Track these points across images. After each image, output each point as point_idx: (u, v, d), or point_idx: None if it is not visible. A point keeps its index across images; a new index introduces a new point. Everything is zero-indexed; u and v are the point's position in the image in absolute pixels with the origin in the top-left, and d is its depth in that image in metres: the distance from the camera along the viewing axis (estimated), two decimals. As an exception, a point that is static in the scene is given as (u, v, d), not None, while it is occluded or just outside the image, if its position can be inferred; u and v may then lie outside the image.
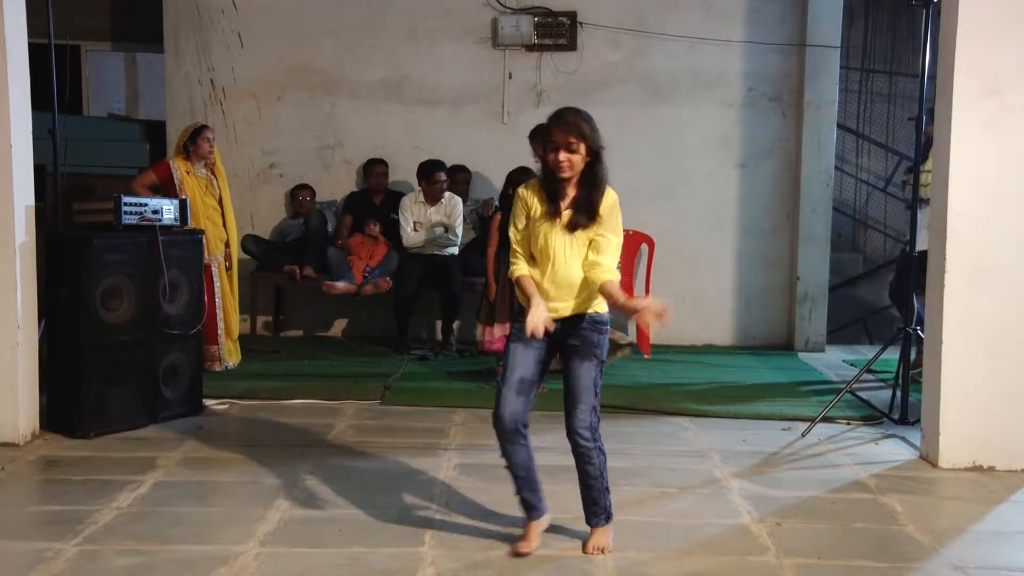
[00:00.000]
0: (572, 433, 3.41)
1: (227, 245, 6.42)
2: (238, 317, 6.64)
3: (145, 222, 5.08)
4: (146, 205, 5.15)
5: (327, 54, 7.88)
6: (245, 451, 4.66)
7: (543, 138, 3.37)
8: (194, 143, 6.21)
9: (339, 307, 7.92)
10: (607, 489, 3.49)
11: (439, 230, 7.15)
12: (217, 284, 6.31)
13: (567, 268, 3.34)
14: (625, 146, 7.78)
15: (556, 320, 3.35)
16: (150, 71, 8.97)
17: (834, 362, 7.14)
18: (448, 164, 7.36)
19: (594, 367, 3.37)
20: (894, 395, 5.44)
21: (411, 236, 7.15)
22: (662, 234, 7.73)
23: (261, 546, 3.44)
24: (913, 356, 6.66)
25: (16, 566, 3.23)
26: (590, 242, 3.35)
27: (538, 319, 3.22)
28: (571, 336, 3.37)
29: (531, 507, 3.47)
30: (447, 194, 7.18)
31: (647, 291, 7.63)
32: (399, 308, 7.26)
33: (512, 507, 3.85)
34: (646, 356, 7.33)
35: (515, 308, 3.53)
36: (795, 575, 3.29)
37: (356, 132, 7.91)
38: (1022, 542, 3.72)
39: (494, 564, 3.34)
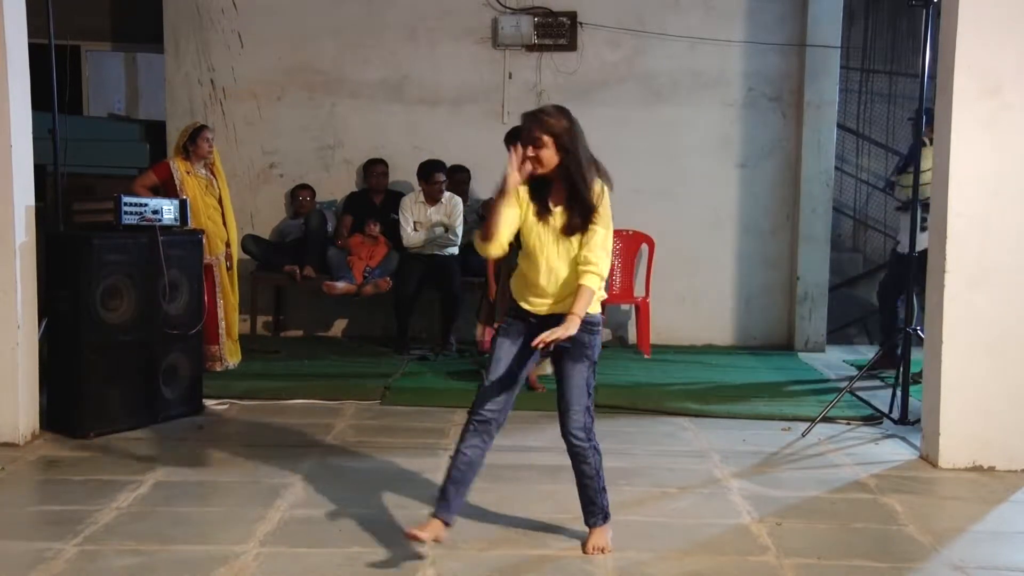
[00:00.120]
0: (567, 434, 3.41)
1: (227, 245, 6.43)
2: (238, 316, 6.65)
3: (145, 222, 5.08)
4: (146, 205, 5.15)
5: (327, 54, 7.89)
6: (245, 451, 4.66)
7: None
8: (194, 143, 6.21)
9: (339, 307, 7.92)
10: (604, 489, 3.49)
11: (439, 230, 7.15)
12: (218, 284, 6.32)
13: (559, 269, 3.32)
14: (625, 146, 7.80)
15: (541, 317, 3.34)
16: (150, 71, 8.97)
17: (834, 362, 7.14)
18: (448, 164, 7.36)
19: (586, 368, 3.37)
20: (894, 395, 5.44)
21: (411, 236, 7.15)
22: (662, 234, 7.74)
23: (261, 546, 3.44)
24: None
25: (16, 566, 3.23)
26: (587, 240, 3.32)
27: (513, 172, 3.20)
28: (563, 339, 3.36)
29: (448, 506, 3.35)
30: (447, 194, 7.18)
31: (647, 291, 7.65)
32: (399, 308, 7.26)
33: (513, 507, 3.86)
34: (646, 356, 7.34)
35: (508, 303, 3.50)
36: (795, 575, 3.29)
37: (356, 132, 7.91)
38: (1022, 542, 3.72)
39: (494, 564, 3.34)
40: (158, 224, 5.10)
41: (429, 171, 7.12)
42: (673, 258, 7.79)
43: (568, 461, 4.62)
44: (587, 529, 3.50)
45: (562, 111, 3.34)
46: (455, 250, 7.22)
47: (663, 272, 7.75)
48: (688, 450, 4.84)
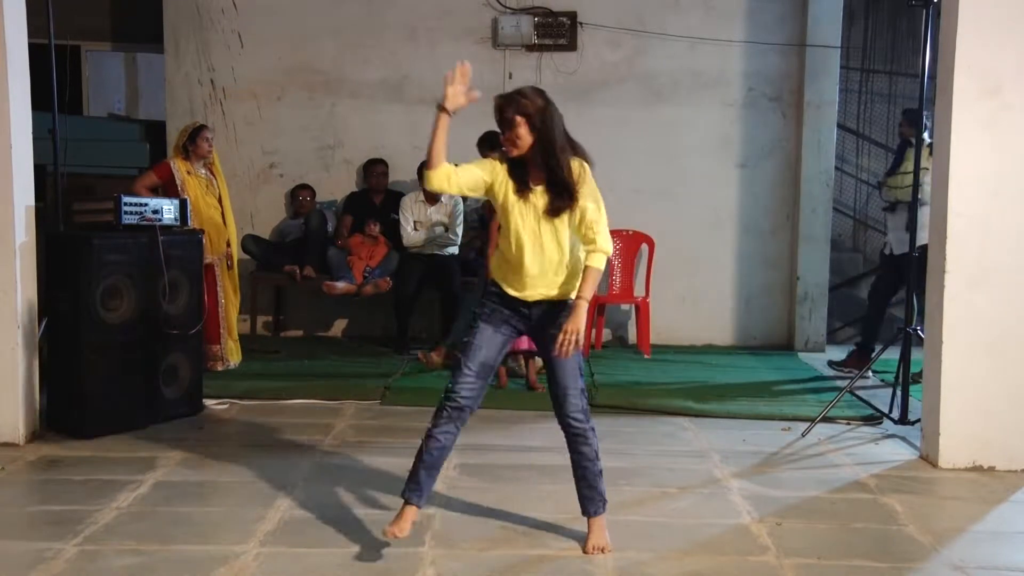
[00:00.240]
0: (566, 418, 3.39)
1: (227, 244, 6.43)
2: (238, 316, 6.65)
3: (145, 222, 5.09)
4: (146, 205, 5.15)
5: (327, 54, 7.89)
6: (245, 451, 4.66)
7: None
8: (193, 143, 6.21)
9: (339, 307, 7.92)
10: (602, 472, 3.50)
11: (439, 230, 7.15)
12: (219, 284, 6.32)
13: (546, 250, 3.30)
14: (625, 146, 7.82)
15: (531, 304, 3.34)
16: (150, 71, 8.97)
17: (836, 359, 7.13)
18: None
19: (576, 352, 3.37)
20: (894, 395, 5.44)
21: (411, 236, 7.15)
22: (662, 234, 7.75)
23: (261, 546, 3.44)
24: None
25: (16, 566, 3.23)
26: (580, 218, 3.31)
27: (454, 92, 3.20)
28: (549, 325, 3.36)
29: (418, 491, 3.36)
30: (447, 194, 7.17)
31: (647, 291, 7.65)
32: (399, 308, 7.26)
33: (513, 507, 3.86)
34: (646, 356, 7.34)
35: (486, 286, 3.47)
36: (795, 575, 3.29)
37: (356, 132, 7.91)
38: (1022, 542, 3.72)
39: (494, 564, 3.34)
40: (158, 224, 5.10)
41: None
42: (673, 258, 7.79)
43: (568, 460, 4.63)
44: (586, 529, 3.49)
45: (538, 91, 3.31)
46: (455, 250, 7.22)
47: (663, 272, 7.75)
48: (688, 450, 4.84)
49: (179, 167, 6.17)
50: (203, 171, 6.30)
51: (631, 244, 7.80)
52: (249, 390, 5.85)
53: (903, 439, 5.07)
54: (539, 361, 5.99)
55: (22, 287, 4.67)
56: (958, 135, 4.52)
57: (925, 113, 6.75)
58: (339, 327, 8.11)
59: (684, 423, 5.37)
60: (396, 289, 7.22)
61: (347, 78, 7.90)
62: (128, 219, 5.05)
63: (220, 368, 6.33)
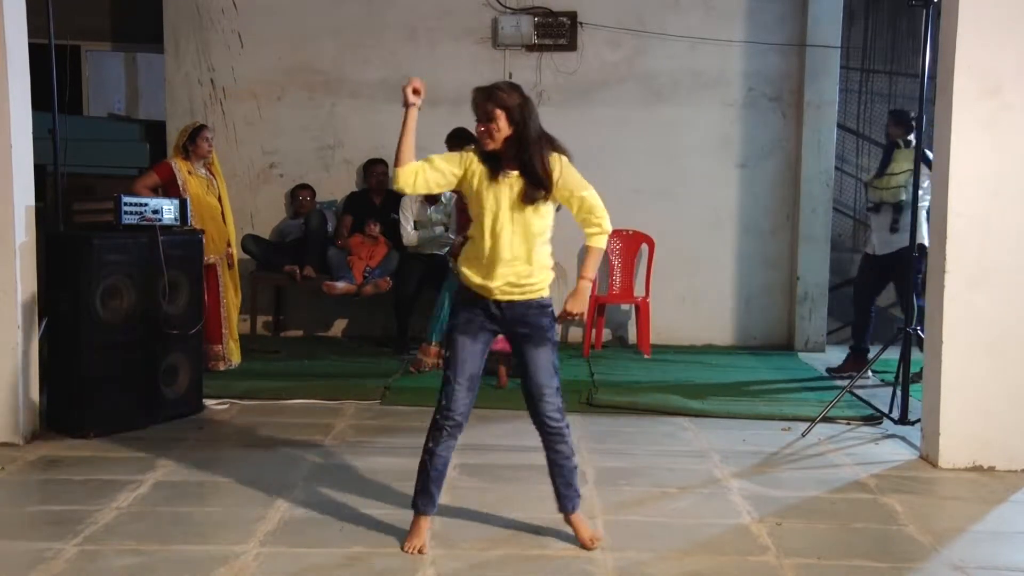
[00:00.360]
0: (542, 417, 3.41)
1: (228, 244, 6.43)
2: (238, 316, 6.66)
3: (145, 222, 5.09)
4: (146, 205, 5.15)
5: (327, 54, 7.89)
6: (245, 451, 4.66)
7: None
8: (193, 143, 6.21)
9: (339, 307, 7.92)
10: (577, 468, 3.52)
11: (439, 229, 7.16)
12: (221, 284, 6.33)
13: (514, 239, 3.30)
14: (625, 146, 7.83)
15: (500, 302, 3.33)
16: (150, 71, 8.97)
17: (834, 362, 7.13)
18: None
19: (550, 350, 3.39)
20: (894, 395, 5.44)
21: (411, 236, 7.16)
22: (662, 234, 7.75)
23: (261, 546, 3.44)
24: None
25: (16, 566, 3.23)
26: (579, 207, 3.36)
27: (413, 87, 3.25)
28: (519, 324, 3.36)
29: (433, 502, 3.43)
30: (447, 193, 7.18)
31: (647, 291, 7.65)
32: (399, 308, 7.26)
33: (513, 507, 3.86)
34: (646, 356, 7.34)
35: (461, 296, 3.46)
36: (795, 575, 3.29)
37: (356, 132, 7.91)
38: (1022, 542, 3.72)
39: (494, 564, 3.34)
40: (158, 224, 5.10)
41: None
42: (673, 258, 7.80)
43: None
44: (574, 524, 3.49)
45: (514, 87, 3.33)
46: (455, 250, 7.23)
47: (663, 272, 7.75)
48: (688, 450, 4.84)
49: (180, 167, 6.17)
50: (203, 171, 6.30)
51: (631, 244, 7.80)
52: (249, 390, 5.85)
53: (903, 439, 5.07)
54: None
55: (22, 287, 4.67)
56: (958, 135, 4.52)
57: (912, 113, 6.77)
58: (339, 327, 8.11)
59: (684, 423, 5.37)
60: (396, 289, 7.23)
61: (347, 78, 7.90)
62: (128, 219, 5.05)
63: (222, 368, 6.33)
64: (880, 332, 7.21)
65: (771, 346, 7.90)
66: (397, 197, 7.38)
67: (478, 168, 3.34)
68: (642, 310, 7.50)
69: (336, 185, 7.95)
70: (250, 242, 7.47)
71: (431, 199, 7.13)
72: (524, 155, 3.27)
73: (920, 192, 6.34)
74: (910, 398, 5.34)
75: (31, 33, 4.84)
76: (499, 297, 3.35)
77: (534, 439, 4.90)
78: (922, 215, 6.40)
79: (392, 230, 7.31)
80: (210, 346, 6.26)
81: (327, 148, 7.97)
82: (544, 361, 3.38)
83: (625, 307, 8.03)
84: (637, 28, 7.78)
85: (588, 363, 7.03)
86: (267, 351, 7.10)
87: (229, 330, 6.42)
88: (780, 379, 6.64)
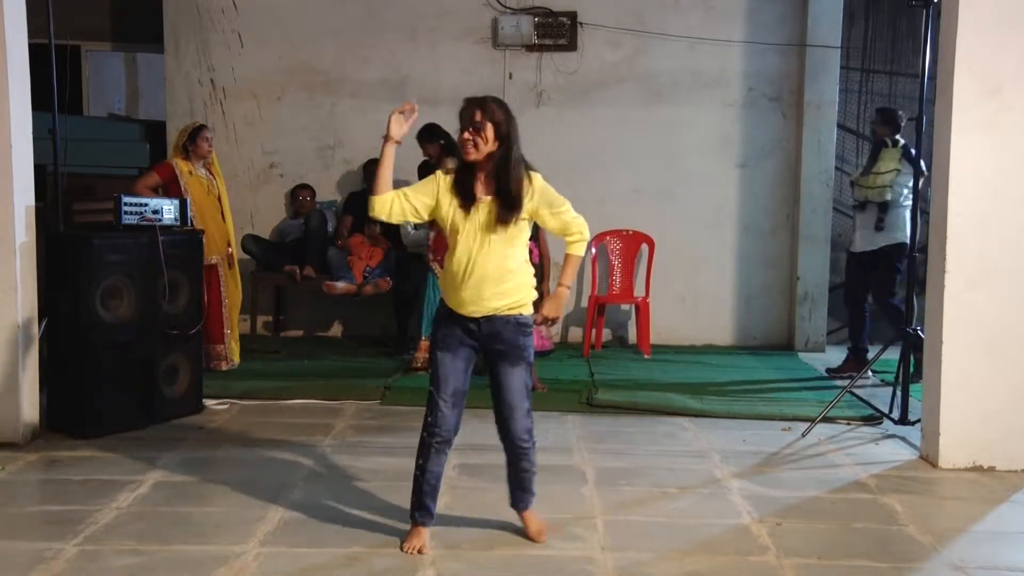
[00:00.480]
0: (512, 438, 3.42)
1: (228, 244, 6.43)
2: (238, 316, 6.66)
3: (145, 222, 5.08)
4: (146, 205, 5.15)
5: (327, 54, 7.89)
6: (245, 451, 4.66)
7: (460, 121, 3.33)
8: (193, 143, 6.21)
9: (339, 307, 7.93)
10: (536, 473, 3.54)
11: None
12: (223, 283, 6.33)
13: (486, 265, 3.29)
14: (625, 146, 7.83)
15: (478, 319, 3.33)
16: (150, 71, 8.97)
17: (834, 362, 7.13)
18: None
19: (524, 370, 3.39)
20: (894, 395, 5.44)
21: (411, 235, 7.15)
22: (662, 234, 7.75)
23: (261, 546, 3.44)
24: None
25: (16, 566, 3.23)
26: (558, 226, 3.39)
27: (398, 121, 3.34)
28: (495, 340, 3.35)
29: (429, 515, 3.45)
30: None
31: (647, 291, 7.65)
32: (399, 308, 7.27)
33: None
34: (646, 356, 7.34)
35: (440, 315, 3.46)
36: (795, 575, 3.29)
37: (356, 132, 7.91)
38: (1022, 542, 3.71)
39: (494, 564, 3.34)
40: (158, 224, 5.10)
41: (425, 171, 7.13)
42: (673, 258, 7.80)
43: (570, 460, 4.64)
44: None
45: (503, 103, 3.34)
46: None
47: (663, 272, 7.75)
48: (688, 450, 4.84)
49: (181, 167, 6.17)
50: (203, 171, 6.30)
51: (631, 244, 7.80)
52: (249, 390, 5.85)
53: (903, 439, 5.07)
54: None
55: (22, 287, 4.67)
56: (958, 135, 4.52)
57: (900, 112, 6.78)
58: (339, 327, 8.11)
59: (684, 423, 5.37)
60: (396, 289, 7.23)
61: (347, 78, 7.90)
62: (128, 219, 5.05)
63: (225, 367, 6.34)
64: (880, 332, 7.21)
65: (771, 346, 7.90)
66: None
67: (451, 196, 3.34)
68: (642, 310, 7.50)
69: (336, 185, 7.96)
70: (250, 242, 7.47)
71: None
72: (503, 175, 3.28)
73: (906, 191, 6.39)
74: (910, 398, 5.34)
75: (31, 33, 4.84)
76: (475, 315, 3.33)
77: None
78: (906, 213, 6.44)
79: (392, 230, 7.31)
80: (212, 346, 6.27)
81: (327, 148, 7.97)
82: (517, 382, 3.38)
83: (625, 307, 8.03)
84: (637, 28, 7.78)
85: (588, 363, 7.03)
86: (267, 351, 7.11)
87: (231, 330, 6.42)
88: (780, 379, 6.64)
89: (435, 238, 6.46)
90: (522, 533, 3.60)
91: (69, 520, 3.65)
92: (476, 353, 3.43)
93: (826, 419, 5.22)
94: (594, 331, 7.60)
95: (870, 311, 6.84)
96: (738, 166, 7.91)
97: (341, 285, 7.20)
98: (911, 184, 6.42)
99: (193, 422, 5.20)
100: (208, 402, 5.50)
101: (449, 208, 3.35)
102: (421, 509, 3.43)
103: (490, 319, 3.33)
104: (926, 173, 6.40)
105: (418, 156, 7.34)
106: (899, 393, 5.36)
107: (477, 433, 4.81)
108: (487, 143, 3.27)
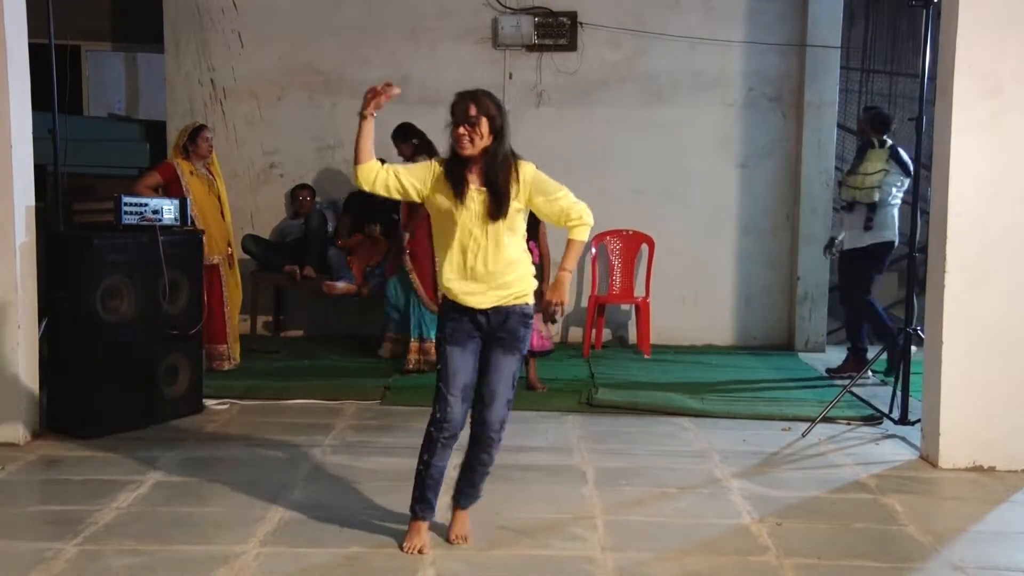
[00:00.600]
0: (484, 425, 3.38)
1: (228, 244, 6.43)
2: (239, 316, 6.66)
3: (145, 222, 5.08)
4: (146, 205, 5.15)
5: (327, 54, 7.89)
6: (245, 451, 4.66)
7: (452, 115, 3.30)
8: (193, 143, 6.21)
9: (339, 307, 7.92)
10: (489, 473, 3.52)
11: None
12: (224, 283, 6.33)
13: (486, 257, 3.29)
14: (625, 146, 7.82)
15: (487, 311, 3.32)
16: (150, 71, 8.97)
17: (835, 362, 7.13)
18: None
19: (516, 361, 3.38)
20: (894, 395, 5.44)
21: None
22: (662, 234, 7.75)
23: (261, 546, 3.44)
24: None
25: (16, 566, 3.23)
26: (557, 212, 3.34)
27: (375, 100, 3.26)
28: (499, 329, 3.34)
29: (430, 509, 3.44)
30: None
31: (647, 291, 7.65)
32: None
33: (512, 507, 3.86)
34: (646, 356, 7.34)
35: (443, 303, 3.43)
36: (795, 575, 3.29)
37: (356, 132, 7.88)
38: (1022, 542, 3.72)
39: (494, 564, 3.34)
40: (158, 224, 5.10)
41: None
42: (673, 258, 7.79)
43: (570, 460, 4.63)
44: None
45: (494, 96, 3.33)
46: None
47: (663, 272, 7.75)
48: (688, 450, 4.84)
49: (182, 167, 6.17)
50: (203, 171, 6.30)
51: (631, 244, 7.80)
52: (249, 390, 5.85)
53: (903, 439, 5.07)
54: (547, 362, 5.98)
55: (22, 287, 4.66)
56: (958, 135, 4.52)
57: (888, 112, 6.78)
58: (339, 327, 8.10)
59: (684, 423, 5.37)
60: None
61: (347, 78, 7.89)
62: (128, 219, 5.04)
63: (227, 367, 6.34)
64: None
65: (771, 346, 7.90)
66: (397, 197, 7.37)
67: (444, 185, 3.33)
68: (642, 310, 7.50)
69: (336, 185, 7.95)
70: (250, 242, 7.47)
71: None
72: (490, 169, 3.26)
73: (894, 191, 6.41)
74: (910, 398, 5.33)
75: (31, 33, 4.84)
76: (484, 307, 3.32)
77: (535, 439, 4.92)
78: (894, 212, 6.47)
79: (392, 230, 7.31)
80: (215, 346, 6.28)
81: (327, 148, 7.97)
82: (508, 371, 3.36)
83: (625, 307, 8.03)
84: (637, 28, 7.78)
85: (588, 363, 7.03)
86: (267, 351, 7.10)
87: (232, 330, 6.42)
88: (780, 379, 6.64)
89: (410, 240, 6.51)
90: (522, 533, 3.60)
91: (69, 520, 3.65)
92: (481, 344, 3.40)
93: (826, 419, 5.21)
94: (594, 331, 7.60)
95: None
96: (738, 166, 7.90)
97: (341, 285, 7.19)
98: (899, 184, 6.45)
99: (193, 422, 5.20)
100: (208, 402, 5.50)
101: (443, 198, 3.33)
102: (423, 502, 3.42)
103: (497, 310, 3.33)
104: (911, 176, 6.46)
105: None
106: (899, 393, 5.36)
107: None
108: (482, 138, 3.25)
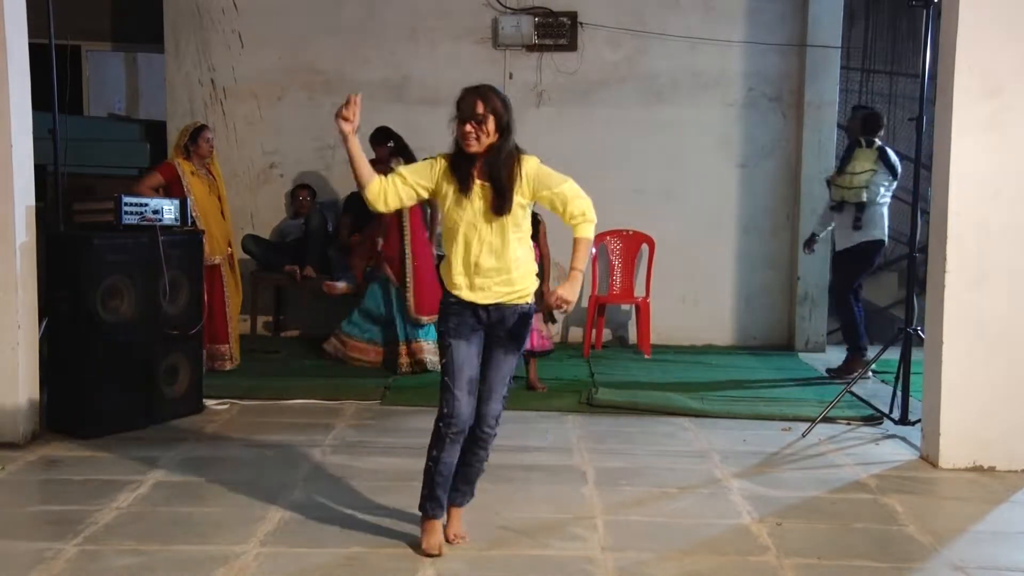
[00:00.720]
0: (481, 420, 3.37)
1: (228, 244, 6.43)
2: (239, 316, 6.66)
3: (145, 222, 5.08)
4: (146, 205, 5.15)
5: (327, 54, 7.89)
6: (245, 451, 4.66)
7: (457, 111, 3.26)
8: (194, 143, 6.20)
9: (339, 307, 7.91)
10: (484, 471, 3.52)
11: (440, 228, 7.14)
12: (226, 283, 6.33)
13: (490, 253, 3.27)
14: (625, 146, 7.82)
15: (486, 306, 3.31)
16: (150, 71, 8.97)
17: (834, 362, 7.13)
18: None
19: (515, 359, 3.39)
20: (894, 395, 5.44)
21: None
22: (662, 234, 7.75)
23: (261, 546, 3.44)
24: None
25: (16, 566, 3.23)
26: (560, 203, 3.30)
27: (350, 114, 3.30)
28: (500, 327, 3.34)
29: (440, 507, 3.43)
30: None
31: (647, 291, 7.65)
32: (399, 307, 7.26)
33: (512, 507, 3.86)
34: (646, 356, 7.34)
35: (447, 305, 3.39)
36: (795, 575, 3.29)
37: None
38: (1022, 542, 3.71)
39: (494, 564, 3.34)
40: (158, 224, 5.10)
41: None
42: (673, 258, 7.79)
43: (570, 460, 4.63)
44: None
45: (500, 92, 3.31)
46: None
47: (663, 272, 7.75)
48: (688, 450, 4.84)
49: (183, 167, 6.16)
50: (203, 171, 6.30)
51: (631, 244, 7.80)
52: (249, 390, 5.85)
53: (903, 439, 5.07)
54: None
55: (22, 287, 4.66)
56: (958, 135, 4.52)
57: (878, 114, 6.78)
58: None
59: (684, 423, 5.37)
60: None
61: (347, 78, 7.89)
62: (128, 219, 5.04)
63: (229, 367, 6.35)
64: (881, 332, 7.21)
65: (771, 346, 7.90)
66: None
67: (448, 179, 3.31)
68: (642, 310, 7.50)
69: (336, 185, 7.95)
70: (250, 242, 7.47)
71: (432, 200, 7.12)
72: (497, 164, 3.24)
73: (882, 190, 6.42)
74: (910, 398, 5.33)
75: (31, 33, 4.84)
76: (483, 301, 3.32)
77: (535, 439, 4.92)
78: (883, 211, 6.47)
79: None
80: (217, 346, 6.28)
81: (327, 148, 7.97)
82: (506, 368, 3.37)
83: (625, 307, 8.03)
84: (637, 28, 7.78)
85: (588, 363, 7.03)
86: (267, 351, 7.10)
87: (232, 330, 6.42)
88: (780, 379, 6.64)
89: (383, 244, 6.53)
90: (522, 533, 3.60)
91: (69, 520, 3.65)
92: (483, 338, 3.38)
93: (826, 419, 5.21)
94: (594, 331, 7.60)
95: (864, 310, 6.84)
96: (738, 166, 7.90)
97: (341, 285, 7.19)
98: (886, 184, 6.46)
99: (193, 422, 5.20)
100: (208, 402, 5.50)
101: (448, 192, 3.32)
102: (433, 501, 3.40)
103: (498, 307, 3.32)
104: (897, 177, 6.47)
105: (417, 156, 7.34)
106: (899, 393, 5.36)
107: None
108: (489, 135, 3.24)
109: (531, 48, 7.82)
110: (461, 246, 3.31)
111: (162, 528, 3.60)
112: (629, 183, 7.80)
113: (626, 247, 7.79)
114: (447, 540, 3.46)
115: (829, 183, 6.78)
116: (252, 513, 3.77)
